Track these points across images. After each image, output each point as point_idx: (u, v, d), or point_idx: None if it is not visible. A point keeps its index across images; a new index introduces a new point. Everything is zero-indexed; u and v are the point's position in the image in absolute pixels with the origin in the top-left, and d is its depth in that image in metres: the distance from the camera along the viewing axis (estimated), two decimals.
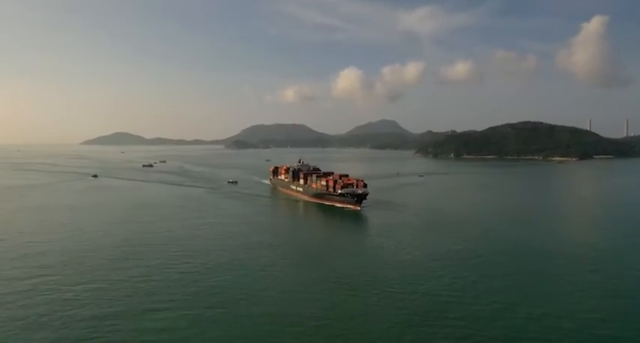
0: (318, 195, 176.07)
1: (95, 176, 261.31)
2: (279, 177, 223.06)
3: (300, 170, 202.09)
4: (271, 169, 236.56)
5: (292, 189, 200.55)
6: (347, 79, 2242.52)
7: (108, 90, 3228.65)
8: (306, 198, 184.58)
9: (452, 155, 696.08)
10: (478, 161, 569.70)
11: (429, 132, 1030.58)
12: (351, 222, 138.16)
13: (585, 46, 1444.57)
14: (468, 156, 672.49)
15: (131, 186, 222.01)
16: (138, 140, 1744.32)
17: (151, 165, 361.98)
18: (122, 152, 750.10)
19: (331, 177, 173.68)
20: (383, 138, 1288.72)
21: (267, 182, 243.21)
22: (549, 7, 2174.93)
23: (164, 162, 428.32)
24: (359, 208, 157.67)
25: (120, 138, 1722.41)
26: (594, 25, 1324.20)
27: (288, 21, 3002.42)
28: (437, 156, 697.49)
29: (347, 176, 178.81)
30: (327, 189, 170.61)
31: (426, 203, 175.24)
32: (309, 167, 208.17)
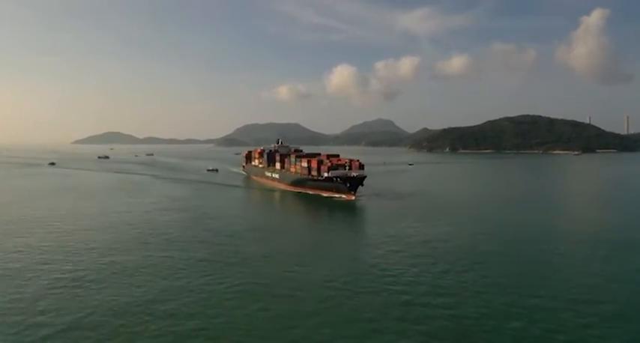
0: (298, 182, 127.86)
1: (53, 164, 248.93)
2: (253, 163, 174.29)
3: (276, 152, 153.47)
4: (244, 154, 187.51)
5: (267, 177, 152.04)
6: (341, 76, 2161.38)
7: (101, 89, 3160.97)
8: (283, 186, 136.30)
9: (447, 149, 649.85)
10: (475, 155, 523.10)
11: (425, 129, 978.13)
12: (342, 218, 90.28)
13: (585, 40, 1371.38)
14: (464, 151, 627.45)
15: (77, 173, 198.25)
16: (129, 139, 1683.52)
17: (106, 157, 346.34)
18: (111, 148, 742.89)
19: (315, 158, 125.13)
20: (378, 136, 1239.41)
21: (241, 171, 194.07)
22: (547, 6, 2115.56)
23: (151, 155, 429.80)
24: (353, 197, 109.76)
25: (111, 138, 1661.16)
26: (594, 18, 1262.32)
27: (286, 21, 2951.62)
28: (431, 151, 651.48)
29: (337, 156, 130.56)
30: (310, 173, 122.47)
31: (423, 190, 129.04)
32: (290, 149, 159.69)
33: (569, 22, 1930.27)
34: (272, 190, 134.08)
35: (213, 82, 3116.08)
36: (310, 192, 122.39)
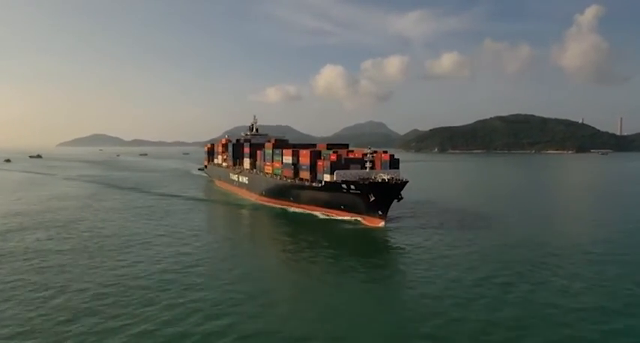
0: (276, 192, 71.29)
1: (8, 160, 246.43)
2: (216, 160, 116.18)
3: (246, 142, 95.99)
4: (206, 149, 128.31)
5: (233, 182, 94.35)
6: (330, 77, 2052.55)
7: (88, 91, 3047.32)
8: (254, 197, 79.16)
9: (435, 149, 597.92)
10: (466, 155, 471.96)
11: (415, 130, 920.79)
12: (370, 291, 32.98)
13: (578, 40, 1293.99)
14: (453, 151, 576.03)
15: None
16: (116, 141, 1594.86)
17: (39, 156, 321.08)
18: (100, 149, 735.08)
19: (307, 150, 67.69)
20: (369, 137, 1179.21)
21: (204, 172, 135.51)
22: (542, 9, 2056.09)
23: (145, 154, 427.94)
24: (382, 223, 53.54)
25: (97, 140, 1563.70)
26: (588, 16, 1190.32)
27: (280, 24, 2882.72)
28: (419, 151, 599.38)
29: (345, 146, 73.79)
30: (297, 175, 66.06)
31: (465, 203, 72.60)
32: (269, 138, 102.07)
33: (563, 25, 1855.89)
34: (237, 205, 76.55)
35: (204, 85, 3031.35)
36: (296, 210, 65.78)
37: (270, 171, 74.58)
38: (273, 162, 73.79)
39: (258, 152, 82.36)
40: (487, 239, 48.69)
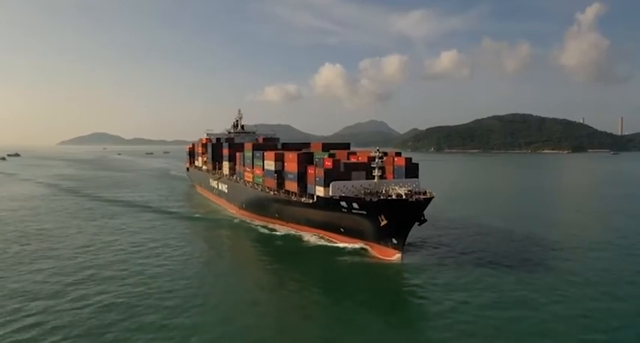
0: (258, 205, 54.56)
1: (3, 159, 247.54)
2: (197, 163, 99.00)
3: (226, 142, 78.59)
4: (188, 149, 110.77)
5: (213, 190, 77.44)
6: (331, 76, 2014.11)
7: (89, 90, 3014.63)
8: (234, 211, 62.44)
9: (432, 149, 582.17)
10: (462, 154, 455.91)
11: (414, 129, 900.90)
12: None
13: (578, 39, 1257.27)
14: (449, 150, 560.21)
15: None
16: (116, 140, 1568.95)
17: (17, 155, 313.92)
18: (104, 148, 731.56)
19: (294, 154, 50.26)
20: (368, 136, 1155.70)
21: (187, 175, 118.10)
22: (541, 8, 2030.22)
23: (151, 153, 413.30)
24: (397, 255, 36.70)
25: (98, 139, 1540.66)
26: (589, 15, 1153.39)
27: (280, 24, 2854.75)
28: (416, 150, 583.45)
29: (346, 147, 57.14)
30: (281, 186, 49.10)
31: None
32: (255, 136, 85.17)
33: (564, 24, 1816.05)
34: (212, 219, 59.64)
35: (204, 83, 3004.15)
36: (282, 230, 49.29)
37: (251, 179, 57.82)
38: (253, 167, 56.98)
39: (237, 154, 65.47)
40: (542, 279, 32.23)
